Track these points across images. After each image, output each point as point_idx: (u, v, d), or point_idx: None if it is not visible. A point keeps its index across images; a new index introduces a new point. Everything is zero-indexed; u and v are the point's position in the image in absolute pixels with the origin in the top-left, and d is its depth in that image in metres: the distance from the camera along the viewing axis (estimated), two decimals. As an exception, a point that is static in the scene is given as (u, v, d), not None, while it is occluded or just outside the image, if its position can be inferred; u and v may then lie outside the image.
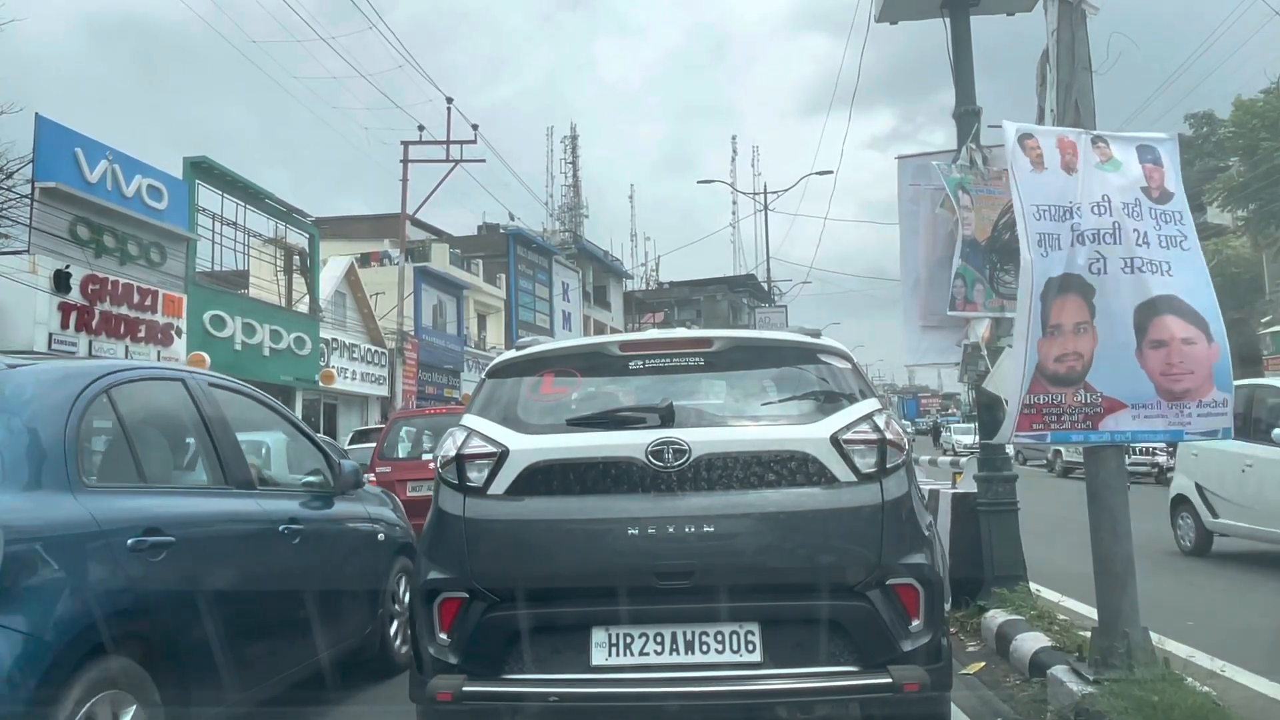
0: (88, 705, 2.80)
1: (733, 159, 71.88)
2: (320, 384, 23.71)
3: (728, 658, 3.19)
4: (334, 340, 25.21)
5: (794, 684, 3.17)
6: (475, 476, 3.40)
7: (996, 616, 5.46)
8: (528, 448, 3.40)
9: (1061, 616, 5.34)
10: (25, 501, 2.87)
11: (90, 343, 16.51)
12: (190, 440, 3.98)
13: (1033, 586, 5.95)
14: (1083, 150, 4.05)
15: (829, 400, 3.57)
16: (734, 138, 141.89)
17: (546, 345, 3.99)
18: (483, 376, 3.95)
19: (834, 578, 3.23)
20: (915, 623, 3.23)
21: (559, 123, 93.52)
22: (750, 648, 3.19)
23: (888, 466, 3.34)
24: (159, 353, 18.07)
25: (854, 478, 3.30)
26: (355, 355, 26.48)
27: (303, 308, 24.14)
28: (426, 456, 9.77)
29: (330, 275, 26.48)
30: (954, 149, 6.36)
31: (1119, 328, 3.91)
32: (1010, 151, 4.04)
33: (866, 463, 3.32)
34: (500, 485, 3.37)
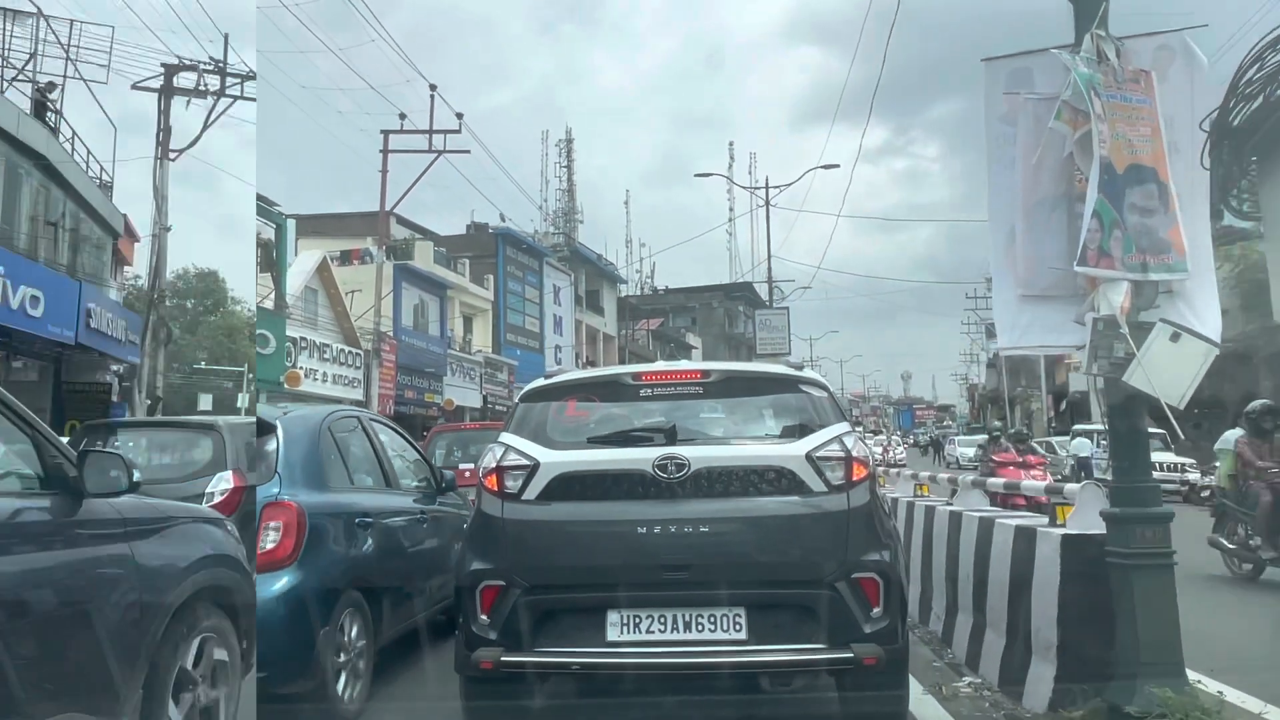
0: (343, 618, 4.65)
1: (730, 165, 69.32)
2: (285, 385, 21.77)
3: (719, 635, 3.76)
4: (302, 339, 23.28)
5: (773, 657, 3.81)
6: (511, 485, 3.99)
7: (1162, 735, 3.51)
8: (555, 461, 4.01)
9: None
10: (311, 496, 4.67)
11: None
12: (363, 456, 5.62)
13: (1201, 681, 3.97)
14: None
15: (806, 423, 4.14)
16: (731, 144, 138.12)
17: (571, 375, 4.93)
18: (517, 401, 4.64)
19: (807, 571, 3.82)
20: (876, 610, 3.76)
21: (554, 129, 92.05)
22: (738, 627, 3.77)
23: (853, 480, 3.87)
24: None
25: (825, 488, 3.86)
26: (327, 356, 24.54)
27: (268, 304, 22.21)
28: (462, 466, 11.10)
29: (300, 270, 24.58)
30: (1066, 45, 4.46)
31: None
32: None
33: (835, 476, 3.87)
34: (532, 492, 3.96)
